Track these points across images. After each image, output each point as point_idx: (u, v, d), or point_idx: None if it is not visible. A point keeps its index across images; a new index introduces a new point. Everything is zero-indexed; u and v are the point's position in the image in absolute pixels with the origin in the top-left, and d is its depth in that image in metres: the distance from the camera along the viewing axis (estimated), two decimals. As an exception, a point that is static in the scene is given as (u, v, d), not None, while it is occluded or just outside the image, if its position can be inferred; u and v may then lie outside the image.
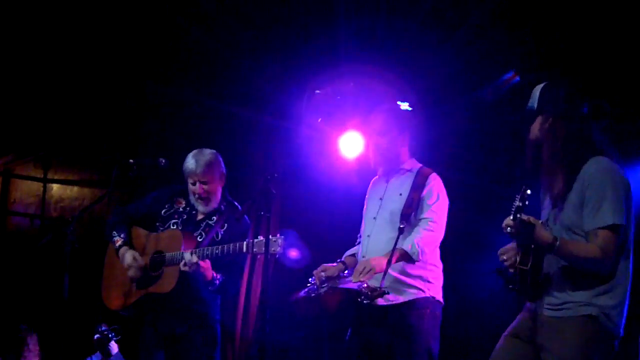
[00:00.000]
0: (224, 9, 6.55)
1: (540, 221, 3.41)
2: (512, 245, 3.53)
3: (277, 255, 4.39)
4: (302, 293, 4.49)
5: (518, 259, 3.44)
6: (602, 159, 3.45)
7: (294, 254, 5.82)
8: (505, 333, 3.62)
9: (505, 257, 3.51)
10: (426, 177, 4.55)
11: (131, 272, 4.74)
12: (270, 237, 4.34)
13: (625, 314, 3.44)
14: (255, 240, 4.41)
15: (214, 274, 4.63)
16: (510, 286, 3.55)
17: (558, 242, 3.35)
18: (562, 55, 6.13)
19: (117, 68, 6.92)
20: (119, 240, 4.84)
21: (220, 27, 6.66)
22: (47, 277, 6.33)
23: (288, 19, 6.56)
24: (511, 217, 3.31)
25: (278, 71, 6.85)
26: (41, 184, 7.26)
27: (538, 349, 3.47)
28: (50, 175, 7.31)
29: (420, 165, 4.68)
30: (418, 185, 4.53)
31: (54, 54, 6.78)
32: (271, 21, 6.59)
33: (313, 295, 4.41)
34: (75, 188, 7.40)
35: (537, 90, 3.58)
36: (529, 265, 3.43)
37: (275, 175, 4.27)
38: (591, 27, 5.91)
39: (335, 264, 4.61)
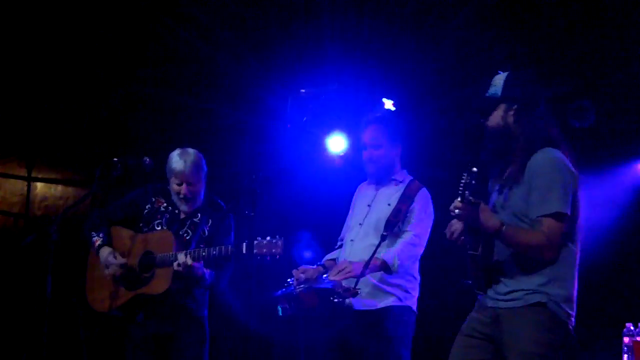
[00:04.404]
0: (208, 8, 6.54)
1: (488, 207, 3.42)
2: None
3: (277, 257, 4.40)
4: (279, 292, 4.49)
5: (468, 245, 3.45)
6: (551, 149, 3.47)
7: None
8: (460, 333, 3.61)
9: (449, 231, 3.51)
10: (416, 192, 4.57)
11: (110, 270, 4.72)
12: (269, 238, 4.39)
13: (575, 305, 3.45)
14: (255, 241, 4.41)
15: (205, 271, 4.64)
16: (468, 282, 3.56)
17: (504, 227, 3.35)
18: (549, 54, 6.16)
19: (102, 67, 6.89)
20: (98, 241, 4.81)
21: (204, 26, 6.65)
22: (30, 276, 6.29)
23: (273, 18, 6.56)
24: (459, 199, 3.31)
25: (263, 70, 6.84)
26: (25, 183, 7.22)
27: (496, 344, 3.47)
28: (34, 174, 7.27)
29: (411, 177, 4.70)
30: (407, 198, 4.54)
31: (37, 53, 6.75)
32: (256, 20, 6.59)
33: (289, 294, 4.41)
34: (60, 187, 7.36)
35: (501, 78, 3.57)
36: (479, 250, 3.44)
37: (260, 174, 4.27)
38: (576, 26, 5.94)
39: (314, 267, 4.61)
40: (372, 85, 6.41)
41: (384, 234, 4.38)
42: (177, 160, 4.75)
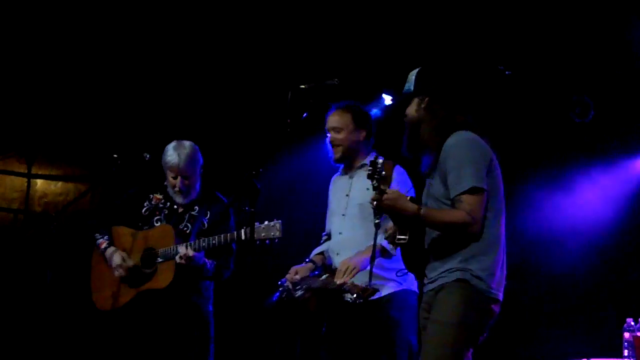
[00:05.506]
0: (206, 3, 6.53)
1: (408, 196, 3.54)
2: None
3: (276, 240, 4.42)
4: (274, 297, 4.46)
5: (397, 234, 3.54)
6: (461, 131, 3.60)
7: None
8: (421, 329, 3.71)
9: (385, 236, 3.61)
10: (391, 171, 4.55)
11: (118, 273, 4.72)
12: (268, 222, 4.42)
13: (498, 278, 3.52)
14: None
15: (206, 261, 4.65)
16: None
17: (422, 211, 3.46)
18: (548, 51, 6.16)
19: (100, 60, 6.89)
20: (103, 243, 4.83)
21: (203, 20, 6.64)
22: (30, 272, 6.30)
23: (272, 11, 6.55)
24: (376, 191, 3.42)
25: (263, 64, 6.83)
26: (25, 179, 7.22)
27: None
28: (34, 171, 7.27)
29: (382, 158, 4.68)
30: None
31: (36, 49, 6.75)
32: (255, 14, 6.58)
33: (286, 299, 4.38)
34: (60, 183, 7.36)
35: (413, 74, 3.73)
36: (407, 237, 3.52)
37: (260, 170, 4.27)
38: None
39: (304, 265, 4.60)
40: (373, 79, 6.40)
41: (377, 221, 4.37)
42: (172, 153, 4.78)
